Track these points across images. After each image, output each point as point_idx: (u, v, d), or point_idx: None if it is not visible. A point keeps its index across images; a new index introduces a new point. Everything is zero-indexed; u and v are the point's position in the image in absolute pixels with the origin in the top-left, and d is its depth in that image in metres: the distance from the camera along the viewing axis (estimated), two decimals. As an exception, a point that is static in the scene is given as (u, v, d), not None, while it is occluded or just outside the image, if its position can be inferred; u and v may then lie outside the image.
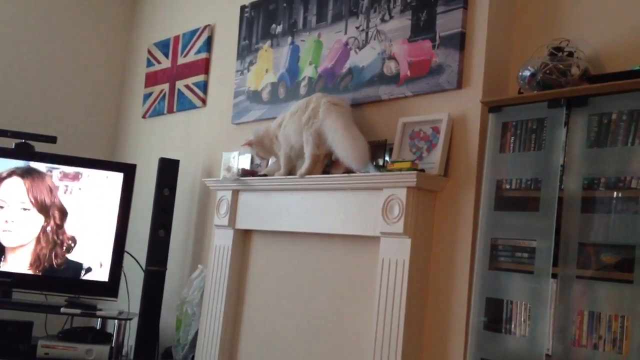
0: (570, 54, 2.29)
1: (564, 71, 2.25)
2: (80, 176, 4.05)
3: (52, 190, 4.01)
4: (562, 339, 2.07)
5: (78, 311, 3.80)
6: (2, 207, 3.95)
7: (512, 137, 2.31)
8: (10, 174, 3.99)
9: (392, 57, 2.88)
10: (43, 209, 3.98)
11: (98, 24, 5.08)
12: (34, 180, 4.00)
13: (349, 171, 2.80)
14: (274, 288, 3.26)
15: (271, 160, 3.37)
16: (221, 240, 3.51)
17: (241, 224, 3.41)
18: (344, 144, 2.79)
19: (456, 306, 2.50)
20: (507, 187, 2.32)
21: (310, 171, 2.93)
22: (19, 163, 4.01)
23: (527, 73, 2.32)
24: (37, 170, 4.00)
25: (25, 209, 3.96)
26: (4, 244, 3.93)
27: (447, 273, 2.55)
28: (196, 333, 3.63)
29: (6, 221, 3.95)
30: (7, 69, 4.68)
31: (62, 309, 3.78)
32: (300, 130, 2.96)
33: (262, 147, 3.23)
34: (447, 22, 2.67)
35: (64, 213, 4.01)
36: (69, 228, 4.01)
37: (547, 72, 2.27)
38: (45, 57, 4.84)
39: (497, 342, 2.26)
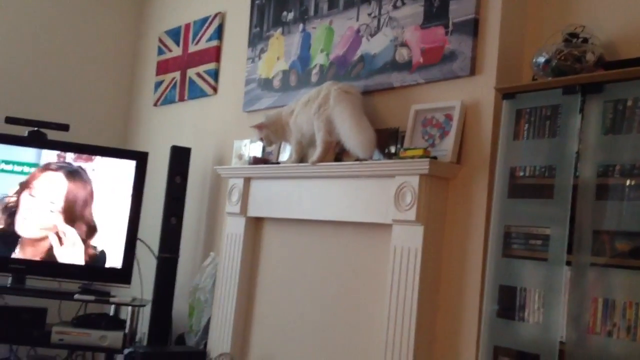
0: (585, 40, 2.27)
1: (578, 57, 2.23)
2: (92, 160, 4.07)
3: (87, 204, 3.99)
4: (576, 327, 2.07)
5: (92, 298, 3.83)
6: (33, 195, 3.97)
7: (526, 124, 2.30)
8: (59, 168, 4.00)
9: (404, 44, 2.86)
10: (69, 219, 3.98)
11: (109, 13, 5.08)
12: (76, 186, 3.99)
13: (360, 159, 2.80)
14: (286, 275, 3.27)
15: (282, 147, 3.37)
16: (233, 228, 3.52)
17: (253, 212, 3.42)
18: (350, 132, 2.79)
19: (469, 294, 2.50)
20: (521, 174, 2.30)
21: (322, 158, 2.93)
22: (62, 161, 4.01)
23: (541, 59, 2.30)
24: (82, 176, 4.00)
25: (51, 211, 3.97)
26: (19, 232, 3.96)
27: (460, 261, 2.55)
28: (209, 320, 3.65)
29: (29, 210, 3.97)
30: (19, 58, 4.69)
31: (76, 296, 3.81)
32: (312, 118, 2.96)
33: (272, 131, 3.23)
34: (460, 8, 2.65)
35: (91, 229, 4.00)
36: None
37: (562, 58, 2.25)
38: (57, 46, 4.84)
39: (510, 329, 2.25)
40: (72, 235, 3.97)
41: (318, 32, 3.32)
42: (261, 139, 3.27)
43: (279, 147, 3.42)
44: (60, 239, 3.96)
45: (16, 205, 3.97)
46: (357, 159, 2.80)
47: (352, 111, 2.82)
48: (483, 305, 2.37)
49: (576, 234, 2.11)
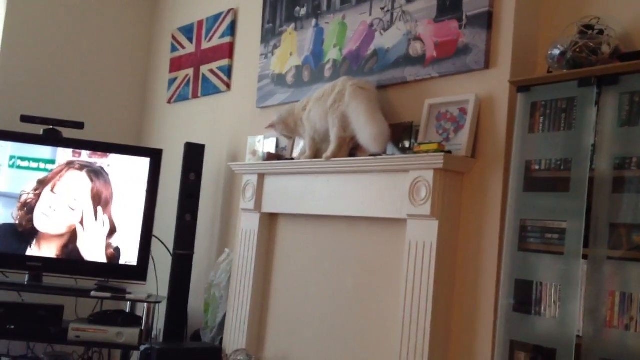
0: (601, 32, 2.25)
1: (594, 49, 2.21)
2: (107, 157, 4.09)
3: (108, 203, 4.03)
4: (593, 321, 2.05)
5: (108, 295, 3.86)
6: (55, 192, 4.00)
7: (542, 117, 2.28)
8: (82, 167, 4.03)
9: (417, 38, 2.85)
10: (90, 217, 4.02)
11: (123, 11, 5.10)
12: (99, 185, 4.02)
13: (373, 153, 2.79)
14: (301, 271, 3.27)
15: (296, 142, 3.38)
16: (247, 224, 3.53)
17: (267, 208, 3.42)
18: (365, 127, 2.79)
19: (485, 288, 2.49)
20: (537, 167, 2.29)
21: (335, 154, 2.92)
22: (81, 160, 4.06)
23: (556, 52, 2.28)
24: (104, 175, 4.05)
25: (72, 209, 4.00)
26: (38, 228, 3.99)
27: (475, 255, 2.54)
28: (224, 316, 3.66)
29: (50, 207, 4.00)
30: (34, 58, 4.72)
31: (92, 293, 3.83)
32: (326, 114, 2.96)
33: (286, 127, 3.24)
34: (473, 1, 2.63)
35: (112, 228, 4.03)
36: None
37: (577, 50, 2.23)
38: (71, 45, 4.87)
39: (526, 324, 2.24)
40: (92, 233, 3.99)
41: (331, 27, 3.32)
42: (284, 135, 3.32)
43: (293, 143, 3.42)
44: (79, 236, 3.99)
45: (35, 202, 4.00)
46: (371, 154, 2.79)
47: (367, 106, 2.82)
48: (499, 300, 2.36)
49: (592, 227, 2.09)
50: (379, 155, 2.76)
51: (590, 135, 2.13)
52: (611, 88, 2.10)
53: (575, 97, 2.19)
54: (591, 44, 2.22)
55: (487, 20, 2.57)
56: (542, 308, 2.20)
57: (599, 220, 2.08)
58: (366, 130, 2.78)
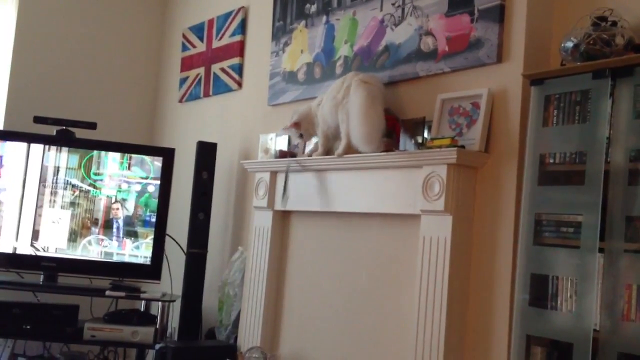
0: (614, 24, 2.23)
1: (608, 41, 2.20)
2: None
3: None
4: (610, 314, 2.04)
5: (122, 294, 3.87)
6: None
7: (555, 110, 2.27)
8: None
9: (429, 33, 2.84)
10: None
11: (133, 11, 5.11)
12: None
13: (388, 150, 2.79)
14: (314, 268, 3.27)
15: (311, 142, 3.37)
16: (260, 222, 3.53)
17: (280, 205, 3.42)
18: (356, 126, 2.79)
19: (500, 283, 2.48)
20: (551, 161, 2.27)
21: (347, 151, 2.91)
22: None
23: (569, 44, 2.27)
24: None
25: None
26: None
27: (490, 250, 2.53)
28: (238, 314, 3.67)
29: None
30: (46, 59, 4.74)
31: (107, 292, 3.85)
32: (336, 109, 2.95)
33: (306, 126, 3.20)
34: (485, -5, 2.62)
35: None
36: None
37: (591, 42, 2.21)
38: (82, 46, 4.89)
39: (542, 318, 2.23)
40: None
41: (342, 24, 3.31)
42: (300, 136, 3.23)
43: (305, 141, 3.41)
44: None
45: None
46: (388, 150, 2.78)
47: (363, 101, 2.78)
48: (514, 294, 2.35)
49: (608, 220, 2.08)
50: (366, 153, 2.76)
51: (605, 127, 2.11)
52: (625, 80, 2.08)
53: (589, 90, 2.17)
54: (605, 36, 2.20)
55: (499, 14, 2.56)
56: (559, 302, 2.19)
57: (614, 213, 2.07)
58: (356, 130, 2.78)
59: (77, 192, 4.10)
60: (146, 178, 4.11)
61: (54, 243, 4.05)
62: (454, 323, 2.52)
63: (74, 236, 4.07)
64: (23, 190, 4.06)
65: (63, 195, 4.08)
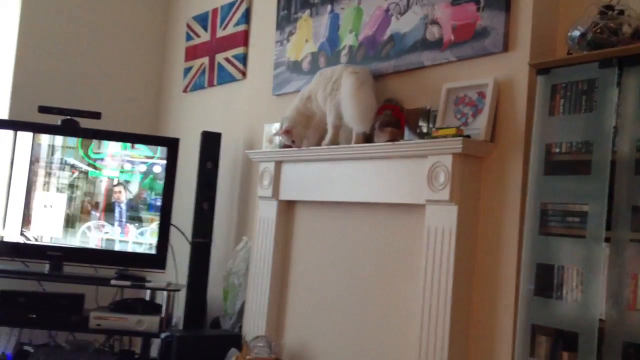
0: (621, 12, 2.22)
1: (615, 30, 2.18)
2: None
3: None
4: (616, 304, 2.04)
5: (128, 283, 3.88)
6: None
7: (562, 100, 2.26)
8: None
9: (434, 22, 2.83)
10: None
11: (137, 1, 5.09)
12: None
13: (393, 139, 2.79)
14: (319, 258, 3.27)
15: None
16: (265, 212, 3.53)
17: (285, 195, 3.42)
18: (348, 107, 2.86)
19: (505, 273, 2.48)
20: (557, 150, 2.27)
21: (333, 142, 3.00)
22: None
23: (576, 33, 2.25)
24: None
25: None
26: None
27: (496, 239, 2.53)
28: (243, 303, 3.68)
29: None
30: (50, 49, 4.73)
31: (113, 281, 3.86)
32: (325, 100, 3.03)
33: (301, 127, 3.22)
34: (491, -16, 2.61)
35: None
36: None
37: (598, 31, 2.20)
38: (87, 35, 4.88)
39: (548, 308, 2.23)
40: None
41: (346, 13, 3.30)
42: (292, 142, 3.24)
43: (298, 146, 3.39)
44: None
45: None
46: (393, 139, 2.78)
47: (353, 84, 2.87)
48: (520, 284, 2.35)
49: (614, 210, 2.07)
50: (362, 133, 2.85)
51: (612, 117, 2.10)
52: (632, 69, 2.07)
53: (596, 79, 2.16)
54: (612, 25, 2.19)
55: (505, 2, 2.55)
56: (564, 292, 2.19)
57: (621, 203, 2.06)
58: (348, 111, 2.86)
59: (76, 173, 4.05)
60: (152, 157, 4.09)
61: (48, 231, 4.01)
62: (458, 313, 2.52)
63: (71, 222, 4.02)
64: (11, 172, 4.01)
65: (59, 176, 4.02)
